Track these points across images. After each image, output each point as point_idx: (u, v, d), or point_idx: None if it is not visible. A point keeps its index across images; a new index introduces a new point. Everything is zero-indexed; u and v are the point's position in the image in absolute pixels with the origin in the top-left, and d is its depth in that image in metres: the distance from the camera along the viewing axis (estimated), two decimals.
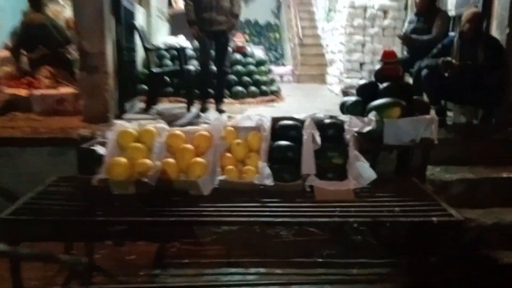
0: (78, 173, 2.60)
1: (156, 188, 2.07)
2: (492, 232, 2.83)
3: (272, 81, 5.80)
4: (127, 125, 2.34)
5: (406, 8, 6.06)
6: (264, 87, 5.48)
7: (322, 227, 2.02)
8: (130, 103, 4.31)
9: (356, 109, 2.60)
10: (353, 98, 2.67)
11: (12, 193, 3.03)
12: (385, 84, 2.59)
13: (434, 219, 1.82)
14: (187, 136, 2.31)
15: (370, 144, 2.42)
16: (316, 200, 2.07)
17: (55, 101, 3.83)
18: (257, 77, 5.47)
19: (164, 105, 4.83)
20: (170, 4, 8.43)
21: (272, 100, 5.38)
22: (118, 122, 2.36)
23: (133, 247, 2.67)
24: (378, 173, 2.18)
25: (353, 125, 2.38)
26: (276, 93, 5.64)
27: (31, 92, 3.98)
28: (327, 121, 2.41)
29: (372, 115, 2.44)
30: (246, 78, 5.37)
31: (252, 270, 2.59)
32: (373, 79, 2.79)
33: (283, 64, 11.12)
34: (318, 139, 2.26)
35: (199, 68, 4.32)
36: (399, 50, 6.26)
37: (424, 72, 3.40)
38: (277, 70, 9.80)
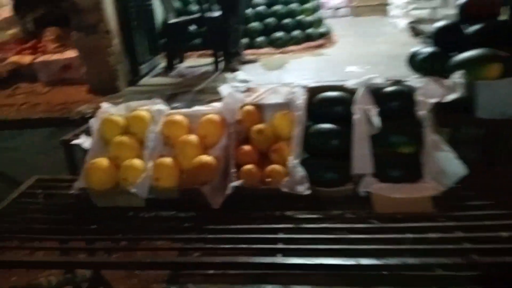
0: (68, 171, 2.18)
1: (150, 201, 1.59)
2: None
3: (320, 21, 4.98)
4: (112, 110, 1.84)
5: None
6: (310, 30, 4.70)
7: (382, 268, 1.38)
8: (149, 63, 3.81)
9: (432, 65, 1.88)
10: (427, 49, 1.93)
11: (10, 178, 2.75)
12: (475, 27, 1.83)
13: None
14: (191, 122, 1.78)
15: (451, 119, 1.73)
16: (374, 214, 1.47)
17: (60, 68, 3.43)
18: (301, 17, 4.68)
19: (191, 61, 4.28)
20: None
21: (321, 46, 4.62)
22: (104, 105, 1.86)
23: (148, 253, 2.24)
24: None
25: (431, 93, 1.69)
26: (325, 36, 4.84)
27: (35, 58, 3.59)
28: (389, 89, 1.74)
29: (458, 76, 1.72)
30: (287, 20, 4.61)
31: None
32: (456, 17, 2.01)
33: None
34: (376, 118, 1.61)
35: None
36: None
37: None
38: (330, 1, 8.78)
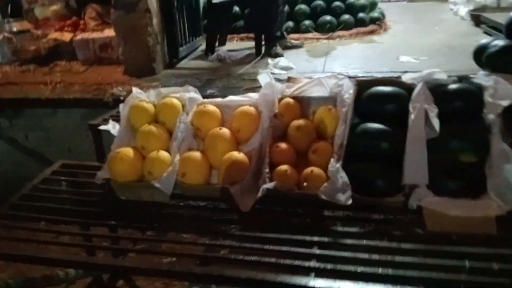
0: (96, 157, 2.12)
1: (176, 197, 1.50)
2: None
3: (373, 5, 4.67)
4: (143, 96, 1.74)
5: None
6: (361, 14, 4.42)
7: None
8: (189, 45, 3.71)
9: (504, 61, 1.64)
10: (498, 42, 1.68)
11: (42, 157, 2.75)
12: None
13: None
14: (224, 113, 1.65)
15: None
16: (427, 232, 1.30)
17: (98, 46, 3.39)
18: (352, 0, 4.41)
19: (233, 45, 4.14)
20: None
21: (372, 32, 4.33)
22: (135, 90, 1.76)
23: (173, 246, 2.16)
24: None
25: (501, 93, 1.47)
26: (378, 22, 4.54)
27: (74, 36, 3.57)
28: (453, 86, 1.53)
29: None
30: (336, 3, 4.35)
31: None
32: None
33: None
34: (436, 120, 1.41)
35: None
36: None
37: None
38: None
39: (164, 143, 1.58)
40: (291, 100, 1.62)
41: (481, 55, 1.77)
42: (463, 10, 5.21)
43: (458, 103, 1.48)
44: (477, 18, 4.46)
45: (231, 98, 1.70)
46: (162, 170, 1.47)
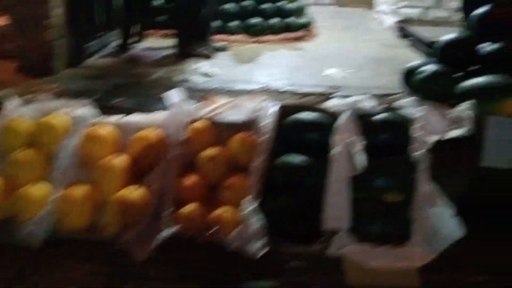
0: None
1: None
2: None
3: (302, 10, 4.59)
4: (22, 110, 1.43)
5: None
6: (290, 19, 4.30)
7: None
8: (99, 40, 3.33)
9: (435, 88, 1.56)
10: (429, 67, 1.61)
11: None
12: (494, 45, 1.51)
13: None
14: (122, 136, 1.40)
15: (454, 162, 1.44)
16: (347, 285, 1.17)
17: None
18: (281, 3, 4.28)
19: (151, 42, 3.82)
20: None
21: (300, 38, 4.22)
22: (12, 102, 1.45)
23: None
24: None
25: (431, 127, 1.38)
26: (306, 27, 4.46)
27: None
28: (380, 117, 1.43)
29: (466, 107, 1.42)
30: (266, 6, 4.20)
31: None
32: (470, 29, 1.69)
33: None
34: (360, 156, 1.29)
35: None
36: None
37: None
38: None
39: (40, 173, 1.30)
40: (204, 124, 1.42)
41: (411, 78, 1.68)
42: (389, 20, 5.33)
43: (385, 136, 1.38)
44: (403, 30, 4.55)
45: (131, 118, 1.46)
46: (34, 209, 1.20)
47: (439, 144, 1.35)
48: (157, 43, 3.84)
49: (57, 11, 2.58)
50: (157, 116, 1.44)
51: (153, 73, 2.82)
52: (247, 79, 2.86)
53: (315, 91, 2.61)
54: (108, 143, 1.34)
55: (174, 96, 1.46)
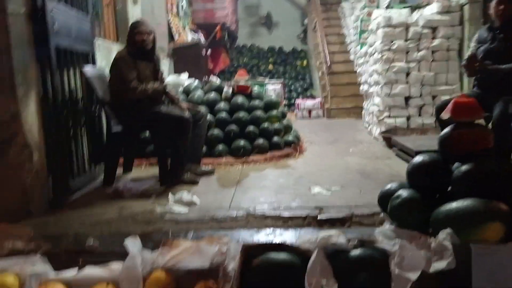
0: None
1: None
2: None
3: (287, 129, 4.72)
4: None
5: (461, 22, 4.95)
6: (276, 139, 4.39)
7: None
8: (86, 176, 3.35)
9: (409, 215, 1.48)
10: (403, 192, 1.54)
11: None
12: (463, 168, 1.46)
13: None
14: None
15: None
16: None
17: None
18: (266, 125, 4.40)
19: (139, 172, 3.84)
20: (172, 38, 7.66)
21: (287, 156, 4.28)
22: None
23: None
24: None
25: (408, 263, 1.26)
26: (293, 145, 4.54)
27: None
28: (353, 254, 1.31)
29: (445, 236, 1.31)
30: (250, 128, 4.31)
31: None
32: (439, 151, 1.65)
33: (312, 96, 10.12)
34: None
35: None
36: (457, 82, 5.12)
37: None
38: (304, 103, 8.84)
39: None
40: (162, 274, 1.30)
41: (386, 203, 1.61)
42: (376, 131, 5.45)
43: (361, 276, 1.25)
44: (388, 140, 4.62)
45: (85, 272, 1.34)
46: None
47: (422, 279, 1.23)
48: (145, 172, 3.87)
49: (35, 157, 2.60)
50: (113, 268, 1.33)
51: (133, 207, 2.76)
52: (230, 205, 2.80)
53: (299, 214, 2.53)
54: None
55: (131, 245, 1.37)
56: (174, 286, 1.30)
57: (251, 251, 1.34)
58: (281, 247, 1.35)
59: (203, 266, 1.32)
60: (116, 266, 1.33)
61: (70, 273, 1.35)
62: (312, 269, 1.25)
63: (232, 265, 1.30)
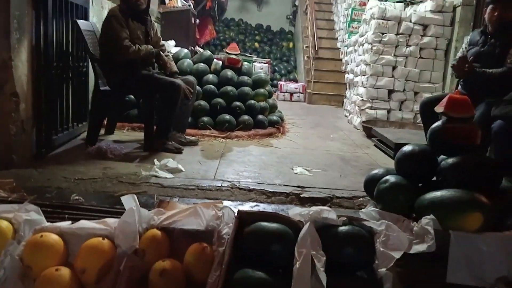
0: None
1: None
2: None
3: (272, 108, 4.77)
4: None
5: (452, 23, 5.06)
6: (260, 117, 4.44)
7: None
8: (68, 132, 3.32)
9: (395, 199, 1.57)
10: (390, 178, 1.62)
11: None
12: (451, 160, 1.55)
13: None
14: (71, 244, 1.31)
15: (420, 278, 1.39)
16: None
17: None
18: (252, 102, 4.43)
19: (121, 135, 3.82)
20: (162, 1, 7.48)
21: (270, 135, 4.34)
22: None
23: None
24: None
25: (393, 242, 1.35)
26: (277, 125, 4.60)
27: None
28: (342, 230, 1.39)
29: (427, 222, 1.40)
30: (236, 103, 4.33)
31: None
32: (427, 142, 1.74)
33: (295, 79, 10.15)
34: (323, 274, 1.23)
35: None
36: (441, 81, 5.27)
37: (498, 125, 2.36)
38: (287, 85, 8.90)
39: None
40: (158, 233, 1.34)
41: (372, 187, 1.69)
42: (356, 120, 5.57)
43: (348, 250, 1.33)
44: (368, 130, 4.74)
45: (80, 224, 1.37)
46: None
47: (404, 259, 1.32)
48: (127, 135, 3.85)
49: (22, 106, 2.56)
50: (109, 223, 1.36)
51: (117, 168, 2.77)
52: (215, 175, 2.84)
53: (283, 190, 2.61)
54: (52, 252, 1.24)
55: (127, 202, 1.40)
56: (169, 246, 1.35)
57: (244, 219, 1.40)
58: (274, 217, 1.42)
59: (199, 228, 1.37)
60: (111, 221, 1.36)
61: (66, 224, 1.37)
62: (303, 240, 1.32)
63: (226, 230, 1.36)
